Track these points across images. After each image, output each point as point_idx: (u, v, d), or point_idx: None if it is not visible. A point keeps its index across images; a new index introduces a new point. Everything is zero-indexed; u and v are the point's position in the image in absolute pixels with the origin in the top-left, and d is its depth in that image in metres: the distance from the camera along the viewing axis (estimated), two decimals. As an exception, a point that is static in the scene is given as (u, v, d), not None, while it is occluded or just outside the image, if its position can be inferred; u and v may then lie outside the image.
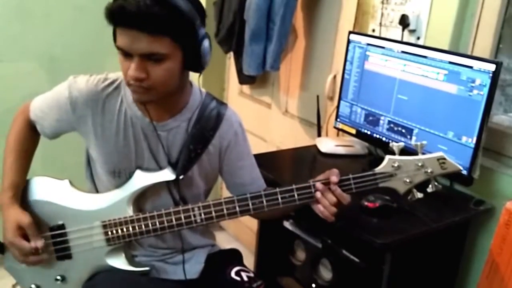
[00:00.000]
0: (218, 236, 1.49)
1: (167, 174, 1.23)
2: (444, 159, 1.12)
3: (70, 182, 1.28)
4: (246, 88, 2.57)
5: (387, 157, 1.15)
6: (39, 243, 1.18)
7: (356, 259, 1.39)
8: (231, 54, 2.37)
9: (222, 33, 2.26)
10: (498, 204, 1.48)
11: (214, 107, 1.29)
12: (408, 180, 1.14)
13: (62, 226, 1.23)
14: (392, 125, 1.61)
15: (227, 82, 2.73)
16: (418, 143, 1.14)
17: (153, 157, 1.25)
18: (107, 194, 1.25)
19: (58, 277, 1.26)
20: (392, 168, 1.14)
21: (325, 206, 1.16)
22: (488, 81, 1.33)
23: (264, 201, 1.16)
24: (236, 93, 2.65)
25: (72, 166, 1.34)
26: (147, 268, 1.26)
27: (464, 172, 1.40)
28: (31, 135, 1.31)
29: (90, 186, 1.34)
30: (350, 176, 1.15)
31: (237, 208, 1.17)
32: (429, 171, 1.12)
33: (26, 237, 1.18)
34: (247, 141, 1.36)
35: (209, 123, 1.27)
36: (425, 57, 1.48)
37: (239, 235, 2.75)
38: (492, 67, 1.32)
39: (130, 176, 1.24)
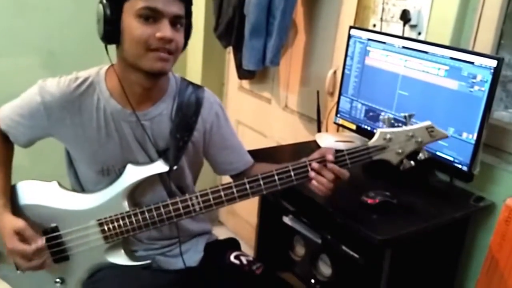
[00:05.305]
0: (217, 231, 1.48)
1: (160, 166, 1.21)
2: (433, 127, 1.16)
3: (59, 183, 1.25)
4: (245, 83, 2.55)
5: (379, 130, 1.17)
6: (39, 242, 1.17)
7: (356, 255, 1.39)
8: (231, 48, 2.35)
9: (221, 27, 2.24)
10: (498, 201, 1.47)
11: (192, 91, 1.29)
12: (400, 151, 1.17)
13: (55, 229, 1.22)
14: (392, 121, 1.60)
15: (226, 77, 2.71)
16: (407, 114, 1.18)
17: (142, 148, 1.23)
18: (99, 193, 1.22)
19: (58, 280, 1.25)
20: (384, 141, 1.17)
21: (322, 183, 1.16)
22: (489, 77, 1.32)
23: (262, 184, 1.16)
24: (236, 88, 2.64)
25: (62, 159, 1.31)
26: (148, 261, 1.25)
27: (465, 168, 1.40)
28: (6, 144, 1.27)
29: (76, 186, 1.30)
30: (345, 151, 1.17)
31: (236, 194, 1.17)
32: (419, 140, 1.16)
33: (24, 242, 1.17)
34: (229, 120, 1.38)
35: (190, 109, 1.27)
36: (426, 52, 1.47)
37: (238, 230, 2.75)
38: (493, 63, 1.31)
39: (120, 172, 1.22)
